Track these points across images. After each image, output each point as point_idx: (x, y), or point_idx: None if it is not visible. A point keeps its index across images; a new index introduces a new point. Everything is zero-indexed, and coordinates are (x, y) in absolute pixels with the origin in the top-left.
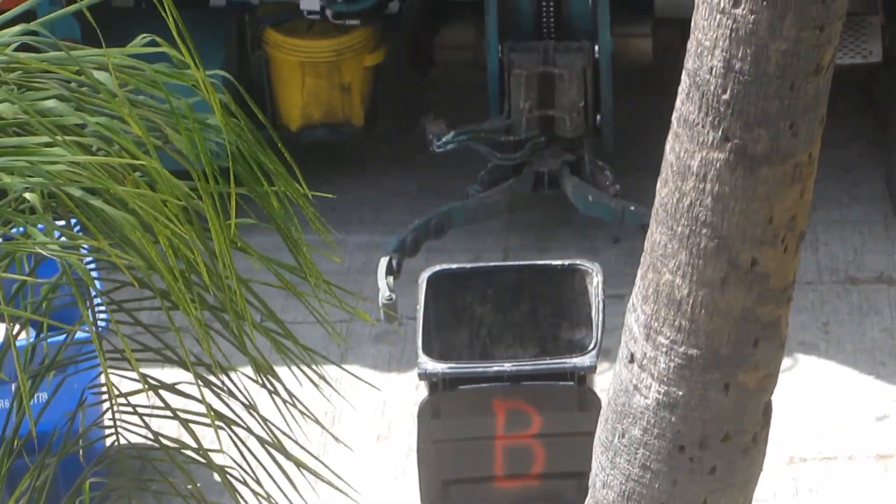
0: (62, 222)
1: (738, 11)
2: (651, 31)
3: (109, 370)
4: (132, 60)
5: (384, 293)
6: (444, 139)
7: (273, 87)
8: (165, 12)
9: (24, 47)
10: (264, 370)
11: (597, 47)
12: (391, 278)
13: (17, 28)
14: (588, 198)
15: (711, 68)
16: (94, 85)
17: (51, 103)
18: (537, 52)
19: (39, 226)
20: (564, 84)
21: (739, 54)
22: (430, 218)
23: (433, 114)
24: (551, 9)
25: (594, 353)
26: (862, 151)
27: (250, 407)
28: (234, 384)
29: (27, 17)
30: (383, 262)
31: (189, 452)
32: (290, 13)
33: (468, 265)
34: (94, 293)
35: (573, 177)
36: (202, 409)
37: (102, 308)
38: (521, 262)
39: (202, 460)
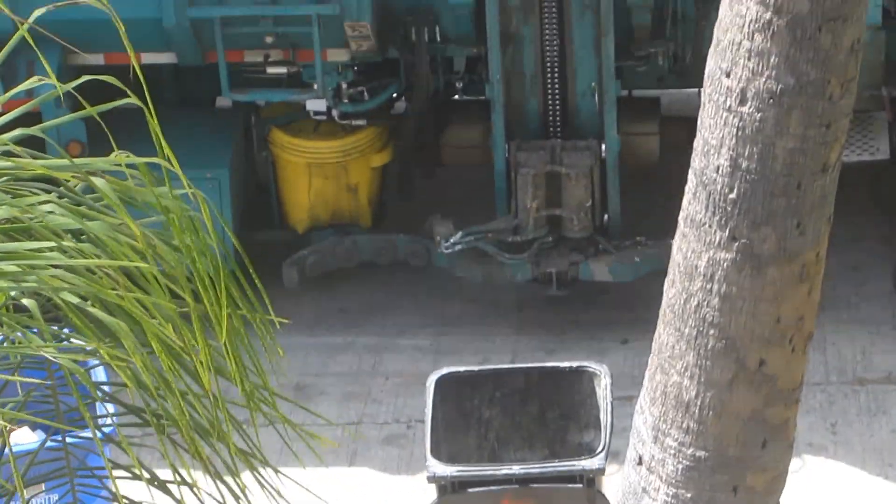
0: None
1: (745, 109)
2: (658, 130)
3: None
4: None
5: None
6: (451, 240)
7: (280, 188)
8: (152, 117)
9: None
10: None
11: (604, 146)
12: None
13: (16, 132)
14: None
15: (718, 167)
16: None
17: (48, 208)
18: (544, 150)
19: (33, 328)
20: (571, 183)
21: (746, 153)
22: None
23: (440, 214)
24: (558, 107)
25: (603, 455)
26: (871, 250)
27: None
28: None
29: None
30: None
31: None
32: (296, 114)
33: (476, 367)
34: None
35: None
36: None
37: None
38: (529, 365)
39: None
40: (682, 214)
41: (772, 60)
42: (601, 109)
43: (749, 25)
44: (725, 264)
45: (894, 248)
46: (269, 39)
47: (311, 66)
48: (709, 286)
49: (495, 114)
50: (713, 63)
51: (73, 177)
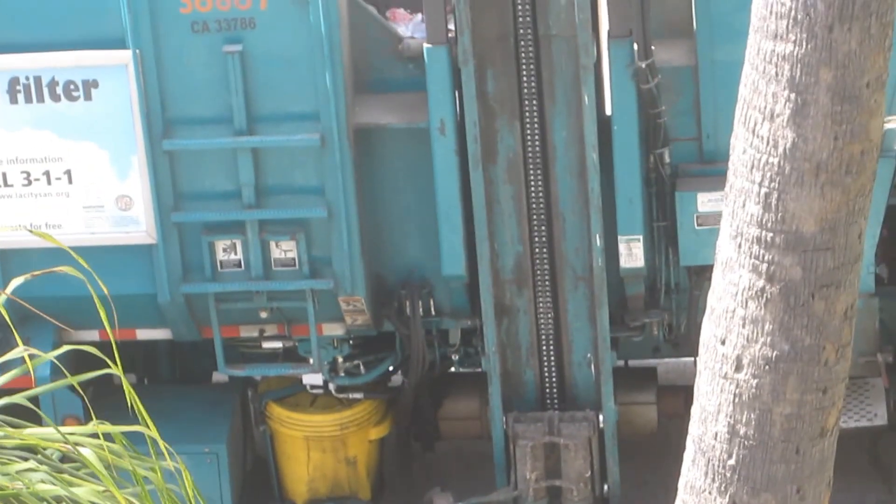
0: None
1: (741, 376)
2: (655, 399)
3: None
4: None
5: None
6: None
7: (278, 461)
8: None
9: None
10: None
11: (601, 416)
12: None
13: (2, 401)
14: None
15: (716, 434)
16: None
17: (40, 475)
18: (542, 422)
19: None
20: (570, 454)
21: (744, 419)
22: None
23: (440, 487)
24: (554, 379)
25: None
26: None
27: None
28: None
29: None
30: None
31: None
32: (293, 387)
33: None
34: None
35: None
36: None
37: None
38: None
39: None
40: (681, 481)
41: (766, 327)
42: (598, 380)
43: (742, 293)
44: None
45: None
46: (263, 314)
47: (306, 341)
48: None
49: (492, 386)
50: (708, 331)
51: (61, 446)
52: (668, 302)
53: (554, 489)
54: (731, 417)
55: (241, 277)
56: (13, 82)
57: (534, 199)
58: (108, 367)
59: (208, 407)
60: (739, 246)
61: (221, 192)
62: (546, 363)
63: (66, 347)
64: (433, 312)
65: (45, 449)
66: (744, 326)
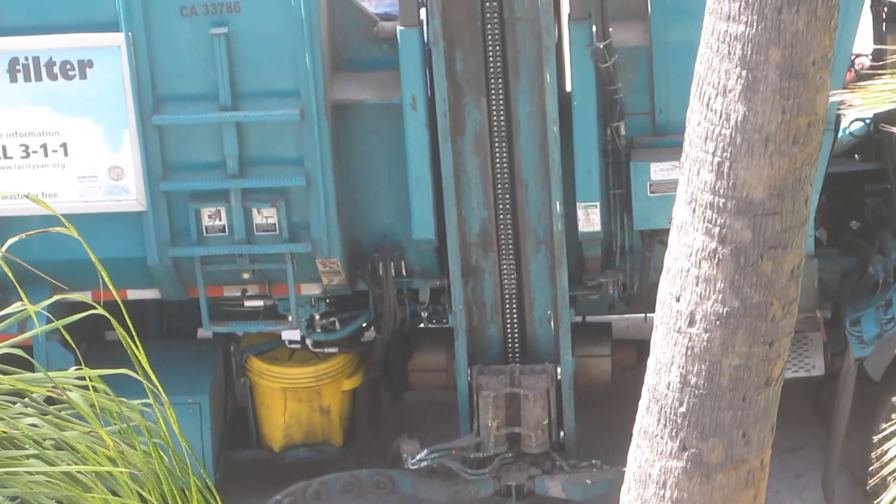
0: None
1: (694, 331)
2: (610, 352)
3: None
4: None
5: None
6: (417, 457)
7: (257, 410)
8: (135, 349)
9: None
10: None
11: (559, 369)
12: None
13: None
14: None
15: (669, 384)
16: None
17: (32, 420)
18: (504, 374)
19: None
20: (529, 403)
21: (695, 370)
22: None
23: (407, 433)
24: (516, 334)
25: None
26: (811, 458)
27: None
28: None
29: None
30: None
31: None
32: (273, 343)
33: None
34: None
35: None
36: None
37: None
38: None
39: None
40: (636, 427)
41: (718, 286)
42: (556, 335)
43: (696, 254)
44: (677, 472)
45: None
46: (246, 276)
47: (285, 300)
48: (661, 492)
49: (458, 341)
50: (664, 289)
51: (48, 390)
52: (622, 263)
53: (513, 436)
54: (683, 368)
55: (225, 242)
56: (13, 62)
57: (498, 169)
58: (105, 323)
59: (192, 360)
60: (693, 211)
61: (207, 163)
62: (509, 320)
63: (56, 297)
64: (404, 273)
65: (31, 393)
66: (697, 285)
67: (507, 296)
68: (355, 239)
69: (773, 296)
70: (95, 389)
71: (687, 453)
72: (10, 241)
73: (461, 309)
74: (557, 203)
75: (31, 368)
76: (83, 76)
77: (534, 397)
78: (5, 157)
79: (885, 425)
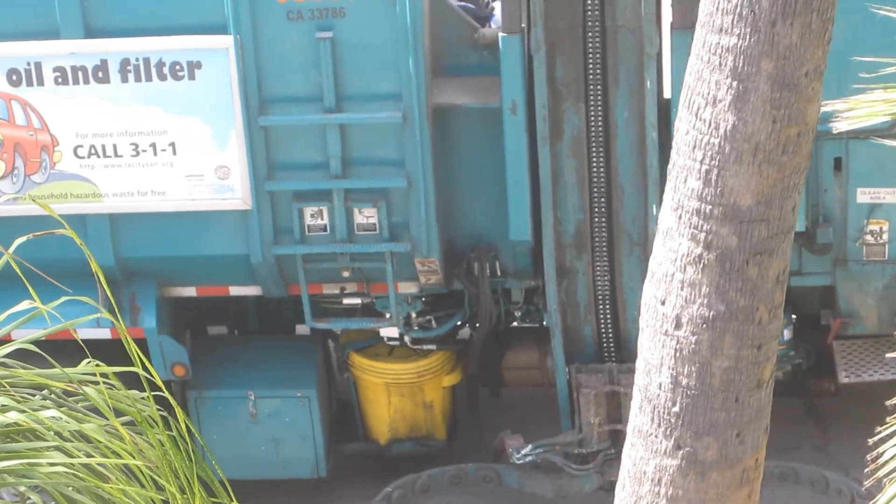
0: None
1: (681, 333)
2: None
3: None
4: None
5: None
6: (523, 451)
7: (361, 405)
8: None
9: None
10: None
11: None
12: None
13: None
14: None
15: (660, 384)
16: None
17: (51, 412)
18: (602, 373)
19: None
20: (630, 401)
21: (685, 371)
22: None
23: (510, 429)
24: (611, 334)
25: None
26: (805, 458)
27: None
28: None
29: None
30: None
31: None
32: (372, 339)
33: None
34: None
35: None
36: None
37: None
38: None
39: None
40: (629, 426)
41: (703, 290)
42: None
43: (681, 259)
44: (671, 470)
45: (825, 455)
46: (345, 274)
47: (383, 298)
48: (657, 489)
49: (555, 339)
50: (648, 292)
51: (67, 385)
52: None
53: (614, 432)
54: (673, 370)
55: (327, 240)
56: (124, 63)
57: (595, 173)
58: (208, 318)
59: (295, 356)
60: (680, 217)
61: (310, 164)
62: (602, 320)
63: (63, 298)
64: (499, 273)
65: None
66: (682, 289)
67: (600, 297)
68: (452, 239)
69: (759, 300)
70: (112, 386)
71: (681, 452)
72: (19, 240)
73: (556, 309)
74: (654, 207)
75: (48, 365)
76: (192, 77)
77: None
78: (116, 155)
79: (880, 428)
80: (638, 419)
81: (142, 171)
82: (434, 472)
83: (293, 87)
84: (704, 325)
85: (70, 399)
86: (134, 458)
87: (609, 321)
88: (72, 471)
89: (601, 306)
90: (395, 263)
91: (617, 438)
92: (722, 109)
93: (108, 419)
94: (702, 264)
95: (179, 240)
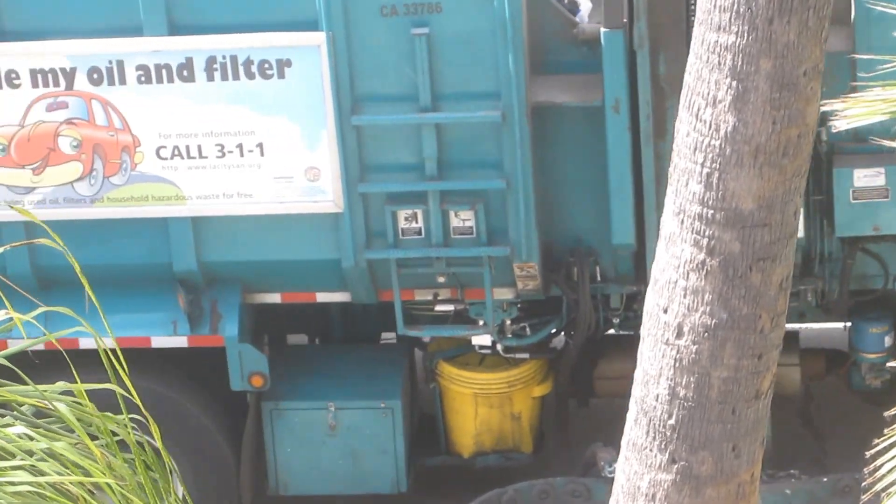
0: None
1: (682, 342)
2: (798, 361)
3: None
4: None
5: None
6: (614, 465)
7: (446, 416)
8: (109, 359)
9: None
10: None
11: None
12: None
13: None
14: None
15: (657, 396)
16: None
17: (19, 429)
18: None
19: None
20: None
21: (683, 382)
22: None
23: (602, 441)
24: None
25: None
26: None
27: None
28: None
29: None
30: None
31: None
32: (462, 348)
33: None
34: None
35: None
36: None
37: None
38: None
39: None
40: (623, 439)
41: (706, 297)
42: None
43: (684, 266)
44: (666, 485)
45: (822, 467)
46: (441, 279)
47: (477, 304)
48: None
49: None
50: (651, 300)
51: (36, 402)
52: (821, 270)
53: None
54: (671, 381)
55: (422, 244)
56: (210, 61)
57: None
58: (289, 325)
59: (379, 365)
60: (682, 222)
61: (405, 165)
62: None
63: (42, 309)
64: (598, 278)
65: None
66: (685, 296)
67: None
68: (549, 243)
69: (762, 308)
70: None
71: (676, 466)
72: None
73: None
74: None
75: (19, 380)
76: (281, 75)
77: None
78: (200, 156)
79: (877, 440)
80: (633, 432)
81: (227, 173)
82: (521, 487)
83: (387, 85)
84: (706, 334)
85: (45, 420)
86: (104, 475)
87: None
88: (37, 490)
89: None
90: (492, 268)
91: None
92: (722, 110)
93: (80, 437)
94: (705, 271)
95: (266, 244)
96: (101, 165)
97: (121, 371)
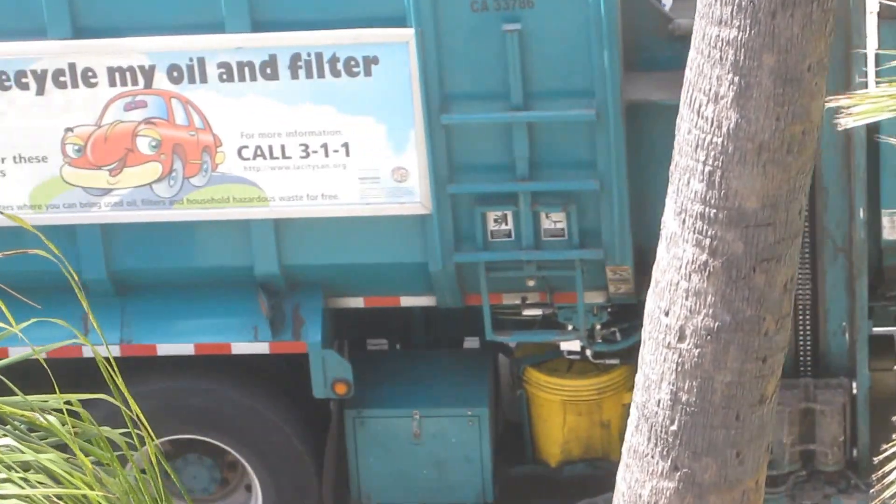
0: None
1: (684, 346)
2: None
3: None
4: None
5: None
6: None
7: (533, 424)
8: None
9: None
10: None
11: (854, 383)
12: None
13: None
14: None
15: (659, 401)
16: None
17: (7, 441)
18: (798, 388)
19: None
20: (826, 419)
21: (686, 386)
22: None
23: None
24: (808, 346)
25: None
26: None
27: None
28: None
29: None
30: None
31: None
32: (550, 353)
33: None
34: None
35: None
36: None
37: None
38: None
39: None
40: (624, 446)
41: (708, 299)
42: (852, 348)
43: (686, 267)
44: (668, 493)
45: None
46: (531, 283)
47: (566, 308)
48: None
49: None
50: (652, 303)
51: (23, 414)
52: None
53: (807, 452)
54: (673, 385)
55: (512, 247)
56: (294, 58)
57: None
58: (370, 332)
59: (464, 372)
60: (683, 222)
61: (495, 165)
62: (801, 331)
63: (34, 319)
64: None
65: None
66: (687, 298)
67: (800, 306)
68: (641, 245)
69: (766, 310)
70: (79, 416)
71: (679, 473)
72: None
73: None
74: (861, 209)
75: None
76: (368, 73)
77: (830, 413)
78: (284, 156)
79: (885, 446)
80: (634, 439)
81: (312, 174)
82: (610, 497)
83: (477, 82)
84: (709, 337)
85: (35, 434)
86: (92, 489)
87: (808, 333)
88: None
89: (800, 316)
90: (584, 271)
91: (809, 459)
92: (724, 106)
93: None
94: (707, 272)
95: (350, 247)
96: (180, 166)
97: (119, 382)
